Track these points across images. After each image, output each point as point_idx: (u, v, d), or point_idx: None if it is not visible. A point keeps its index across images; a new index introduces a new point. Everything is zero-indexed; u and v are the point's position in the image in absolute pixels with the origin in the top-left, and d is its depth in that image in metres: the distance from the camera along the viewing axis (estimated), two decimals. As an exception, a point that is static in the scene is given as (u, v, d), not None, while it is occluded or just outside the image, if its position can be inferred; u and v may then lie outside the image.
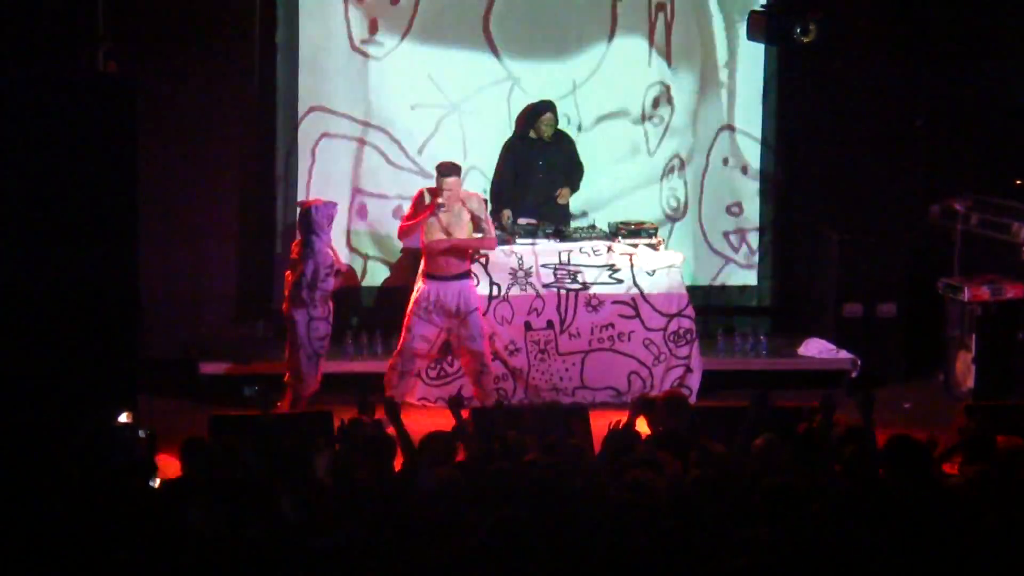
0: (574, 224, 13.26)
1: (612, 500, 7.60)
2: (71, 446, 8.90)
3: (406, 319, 12.07)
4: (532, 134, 13.18)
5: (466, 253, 12.07)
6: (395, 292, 13.05)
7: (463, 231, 11.95)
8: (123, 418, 9.89)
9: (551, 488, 7.68)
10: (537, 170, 13.18)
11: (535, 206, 13.11)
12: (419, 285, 12.08)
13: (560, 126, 13.29)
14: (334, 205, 12.12)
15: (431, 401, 12.47)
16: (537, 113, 13.22)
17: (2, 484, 8.11)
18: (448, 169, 11.92)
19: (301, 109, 13.51)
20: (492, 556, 6.92)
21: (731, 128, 14.09)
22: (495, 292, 12.60)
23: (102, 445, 9.00)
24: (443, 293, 11.97)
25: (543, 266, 12.69)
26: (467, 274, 12.13)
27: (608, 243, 12.86)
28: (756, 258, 14.19)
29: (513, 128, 13.36)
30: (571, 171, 13.30)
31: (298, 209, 12.28)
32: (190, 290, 13.39)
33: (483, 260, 12.56)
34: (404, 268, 13.32)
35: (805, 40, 13.02)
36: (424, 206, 11.98)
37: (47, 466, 8.39)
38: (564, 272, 12.67)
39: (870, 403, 8.48)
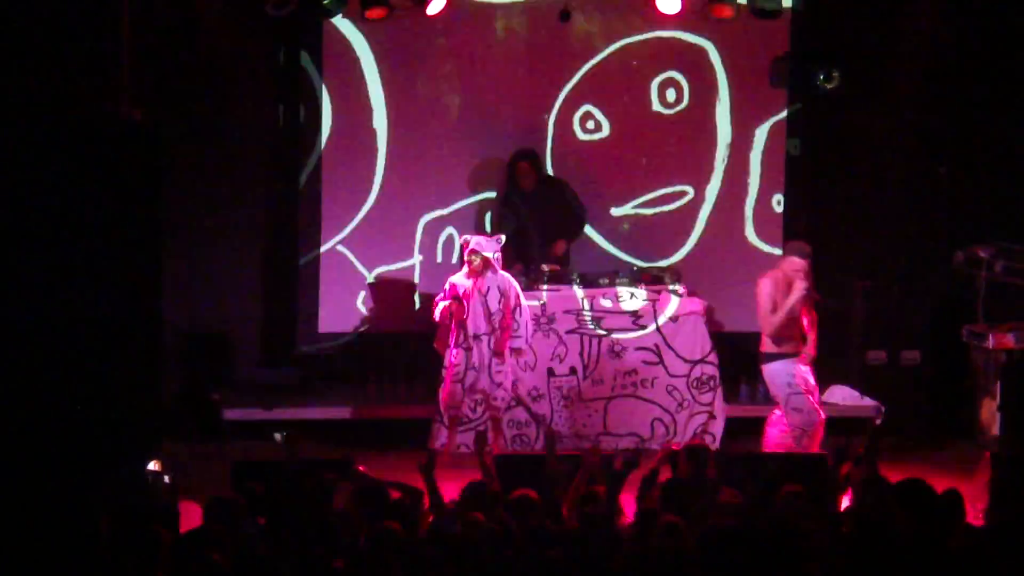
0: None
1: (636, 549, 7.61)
2: (99, 492, 8.91)
3: (797, 399, 11.83)
4: (519, 186, 13.24)
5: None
6: (415, 338, 13.02)
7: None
8: (152, 465, 9.90)
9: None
10: (528, 221, 13.22)
11: (537, 257, 13.11)
12: (799, 366, 11.90)
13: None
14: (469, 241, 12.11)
15: (454, 447, 12.45)
16: (512, 165, 13.28)
17: (26, 528, 8.13)
18: (803, 251, 11.74)
19: (326, 154, 13.56)
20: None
21: (754, 173, 14.11)
22: (518, 338, 12.60)
23: (130, 492, 9.00)
24: (805, 369, 11.87)
25: (566, 312, 12.68)
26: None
27: (631, 289, 12.86)
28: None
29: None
30: (564, 217, 13.30)
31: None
32: (214, 335, 13.40)
33: (506, 306, 12.57)
34: (424, 313, 13.35)
35: (828, 87, 13.04)
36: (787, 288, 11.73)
37: (74, 512, 8.40)
38: (587, 318, 12.66)
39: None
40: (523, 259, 13.08)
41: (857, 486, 8.84)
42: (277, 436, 9.93)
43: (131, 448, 10.14)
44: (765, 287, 11.84)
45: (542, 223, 13.27)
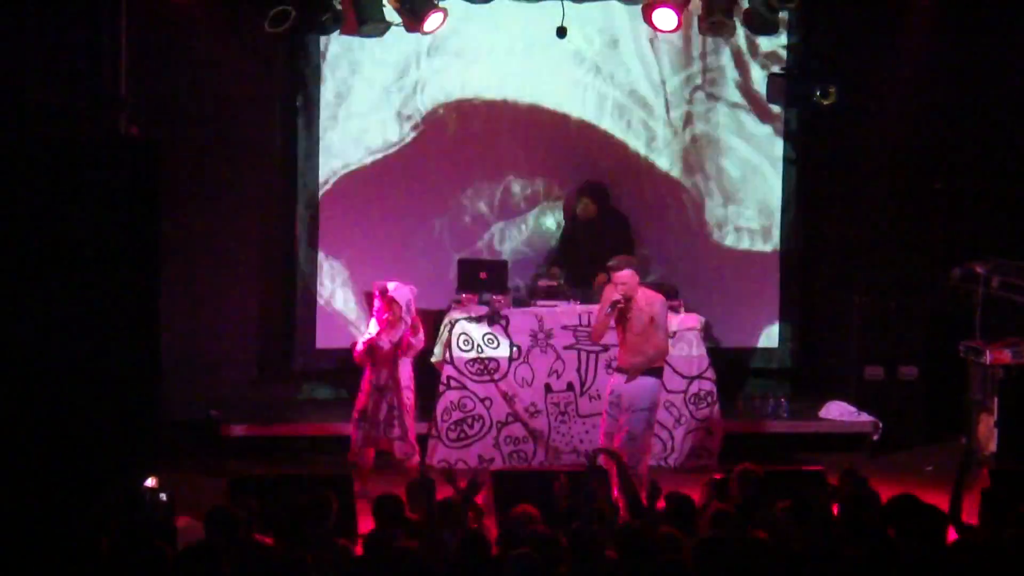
0: None
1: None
2: (97, 509, 8.91)
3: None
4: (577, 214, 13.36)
5: (648, 352, 11.30)
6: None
7: (641, 330, 11.23)
8: (149, 482, 9.90)
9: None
10: (578, 246, 13.32)
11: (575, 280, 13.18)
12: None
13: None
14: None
15: (451, 463, 12.45)
16: (578, 196, 13.42)
17: (26, 546, 8.13)
18: (616, 264, 11.32)
19: (323, 171, 13.58)
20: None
21: (752, 188, 14.14)
22: (515, 354, 12.61)
23: (127, 508, 9.01)
24: (620, 388, 11.31)
25: (563, 328, 12.69)
26: (653, 372, 11.33)
27: (628, 305, 12.85)
28: (777, 321, 14.17)
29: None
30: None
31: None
32: (211, 352, 13.41)
33: (504, 322, 12.59)
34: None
35: (825, 103, 13.07)
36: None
37: (72, 530, 8.40)
38: (584, 334, 12.66)
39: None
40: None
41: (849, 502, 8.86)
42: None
43: (128, 465, 10.14)
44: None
45: (590, 250, 13.22)
